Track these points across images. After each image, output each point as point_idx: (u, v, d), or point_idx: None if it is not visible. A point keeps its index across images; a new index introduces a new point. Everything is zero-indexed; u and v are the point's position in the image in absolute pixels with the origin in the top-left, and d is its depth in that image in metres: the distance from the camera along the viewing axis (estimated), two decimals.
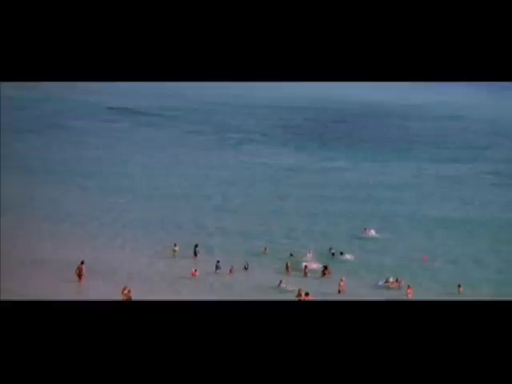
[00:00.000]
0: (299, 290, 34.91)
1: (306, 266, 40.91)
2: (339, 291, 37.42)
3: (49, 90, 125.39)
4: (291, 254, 43.03)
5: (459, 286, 38.26)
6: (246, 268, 41.03)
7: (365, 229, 49.59)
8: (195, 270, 39.48)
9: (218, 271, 40.26)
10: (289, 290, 36.84)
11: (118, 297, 32.30)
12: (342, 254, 43.86)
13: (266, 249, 44.23)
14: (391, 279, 39.22)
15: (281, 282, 38.18)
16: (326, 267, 40.79)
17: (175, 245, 43.20)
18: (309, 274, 40.49)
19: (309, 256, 42.98)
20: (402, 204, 60.24)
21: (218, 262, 40.60)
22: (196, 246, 43.26)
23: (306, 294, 34.43)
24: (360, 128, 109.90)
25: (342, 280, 37.98)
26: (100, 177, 66.45)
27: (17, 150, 76.36)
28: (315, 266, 41.62)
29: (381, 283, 39.16)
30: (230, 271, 40.28)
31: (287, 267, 41.01)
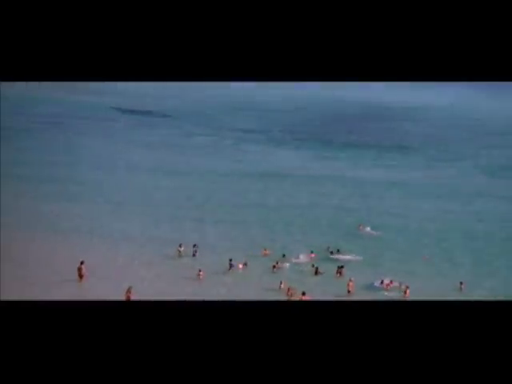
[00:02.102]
0: (286, 285, 34.96)
1: (317, 267, 40.86)
2: (348, 291, 37.32)
3: (49, 90, 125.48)
4: (283, 255, 43.04)
5: (461, 283, 38.41)
6: (245, 264, 41.05)
7: (360, 224, 49.88)
8: (200, 271, 39.35)
9: (232, 269, 40.34)
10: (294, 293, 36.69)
11: (120, 297, 32.30)
12: (338, 251, 44.07)
13: (265, 249, 44.18)
14: (386, 281, 39.01)
15: (281, 283, 38.08)
16: (342, 267, 40.90)
17: (180, 245, 43.16)
18: (321, 274, 40.39)
19: (301, 256, 43.11)
20: (401, 203, 60.32)
21: (231, 260, 40.62)
22: (194, 245, 43.29)
23: (303, 294, 34.39)
24: (359, 128, 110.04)
25: (350, 280, 37.87)
26: (100, 177, 66.52)
27: (16, 150, 76.43)
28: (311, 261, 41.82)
29: (376, 284, 39.00)
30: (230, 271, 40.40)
31: (274, 266, 41.03)
